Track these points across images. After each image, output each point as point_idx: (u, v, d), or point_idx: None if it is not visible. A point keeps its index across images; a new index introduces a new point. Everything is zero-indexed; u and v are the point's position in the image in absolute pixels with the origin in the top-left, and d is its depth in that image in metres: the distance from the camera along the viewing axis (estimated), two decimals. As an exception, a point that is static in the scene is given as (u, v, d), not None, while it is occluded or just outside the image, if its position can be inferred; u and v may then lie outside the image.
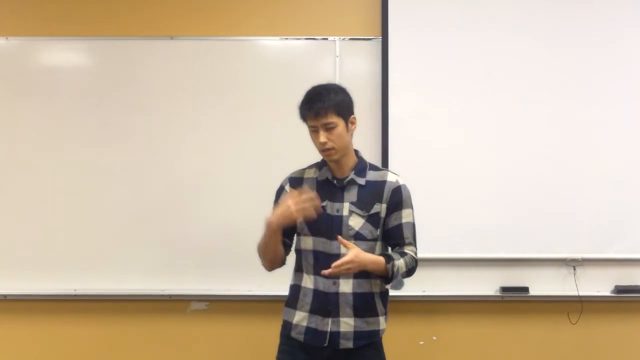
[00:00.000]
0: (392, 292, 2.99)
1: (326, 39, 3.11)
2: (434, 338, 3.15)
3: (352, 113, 2.26)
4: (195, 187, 3.11)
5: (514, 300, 3.10)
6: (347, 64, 3.10)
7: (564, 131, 3.06)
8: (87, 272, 3.10)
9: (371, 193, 2.26)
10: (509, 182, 3.06)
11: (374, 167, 2.33)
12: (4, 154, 3.13)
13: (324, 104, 2.18)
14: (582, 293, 3.05)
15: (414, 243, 2.28)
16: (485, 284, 3.08)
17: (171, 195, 3.10)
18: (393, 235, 2.27)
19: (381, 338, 2.32)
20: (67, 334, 3.16)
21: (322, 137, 2.18)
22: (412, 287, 3.04)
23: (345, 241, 2.14)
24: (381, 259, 2.17)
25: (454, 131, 3.07)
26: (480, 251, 3.06)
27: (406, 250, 2.25)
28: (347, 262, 2.09)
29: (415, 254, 2.28)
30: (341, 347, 2.23)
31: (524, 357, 3.14)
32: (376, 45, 3.10)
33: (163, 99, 3.11)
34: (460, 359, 3.15)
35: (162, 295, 3.11)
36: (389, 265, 2.16)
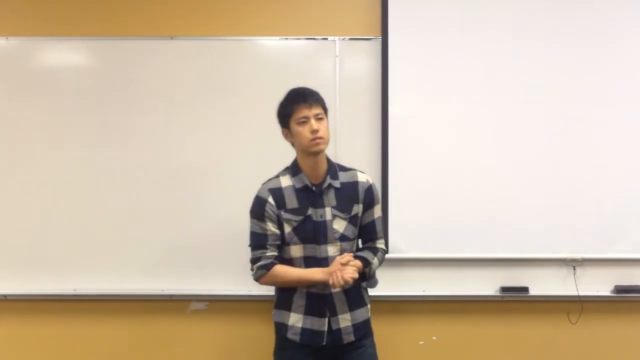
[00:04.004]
0: (392, 292, 3.01)
1: (326, 38, 3.11)
2: (434, 338, 3.15)
3: None
4: (195, 186, 3.11)
5: (513, 300, 3.10)
6: (347, 64, 3.10)
7: (564, 131, 3.06)
8: (87, 272, 3.10)
9: (348, 195, 2.39)
10: (509, 182, 3.05)
11: (342, 168, 2.45)
12: (4, 154, 3.13)
13: (315, 97, 2.35)
14: (582, 293, 3.05)
15: (383, 236, 2.52)
16: (485, 283, 3.08)
17: (171, 195, 3.10)
18: (367, 232, 2.46)
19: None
20: (67, 334, 3.16)
21: (315, 124, 2.29)
22: (412, 287, 3.07)
23: (344, 260, 2.29)
24: (360, 264, 2.35)
25: (454, 131, 3.07)
26: (480, 251, 3.06)
27: (377, 246, 2.47)
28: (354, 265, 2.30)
29: (384, 244, 2.51)
30: (345, 342, 2.36)
31: (524, 357, 3.14)
32: (376, 45, 3.09)
33: (163, 99, 3.11)
34: (460, 359, 3.15)
35: (162, 295, 3.11)
36: (367, 269, 2.38)
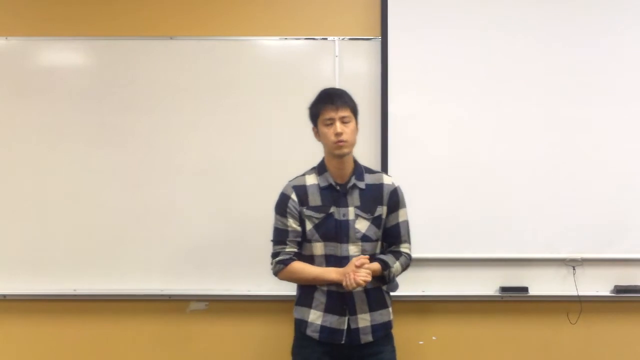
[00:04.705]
0: (392, 292, 3.01)
1: (326, 39, 3.11)
2: (434, 338, 3.15)
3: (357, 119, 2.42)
4: (195, 186, 3.10)
5: (513, 300, 3.10)
6: (346, 64, 3.09)
7: (563, 131, 3.06)
8: (87, 272, 3.10)
9: (372, 196, 2.40)
10: (509, 182, 3.05)
11: (368, 170, 2.47)
12: (3, 154, 3.13)
13: (344, 99, 2.36)
14: (581, 293, 3.05)
15: (408, 240, 2.48)
16: (485, 283, 3.08)
17: (171, 195, 3.10)
18: (391, 235, 2.45)
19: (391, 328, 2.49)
20: (66, 334, 3.16)
21: (339, 127, 2.30)
22: (412, 287, 3.07)
23: (359, 262, 2.27)
24: (378, 266, 2.34)
25: (454, 131, 3.07)
26: (479, 251, 3.06)
27: (402, 250, 2.45)
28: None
29: (410, 249, 2.47)
30: (362, 341, 2.36)
31: (524, 357, 3.14)
32: (376, 45, 3.09)
33: (163, 99, 3.11)
34: (460, 359, 3.15)
35: (162, 295, 3.11)
36: (386, 273, 2.36)
